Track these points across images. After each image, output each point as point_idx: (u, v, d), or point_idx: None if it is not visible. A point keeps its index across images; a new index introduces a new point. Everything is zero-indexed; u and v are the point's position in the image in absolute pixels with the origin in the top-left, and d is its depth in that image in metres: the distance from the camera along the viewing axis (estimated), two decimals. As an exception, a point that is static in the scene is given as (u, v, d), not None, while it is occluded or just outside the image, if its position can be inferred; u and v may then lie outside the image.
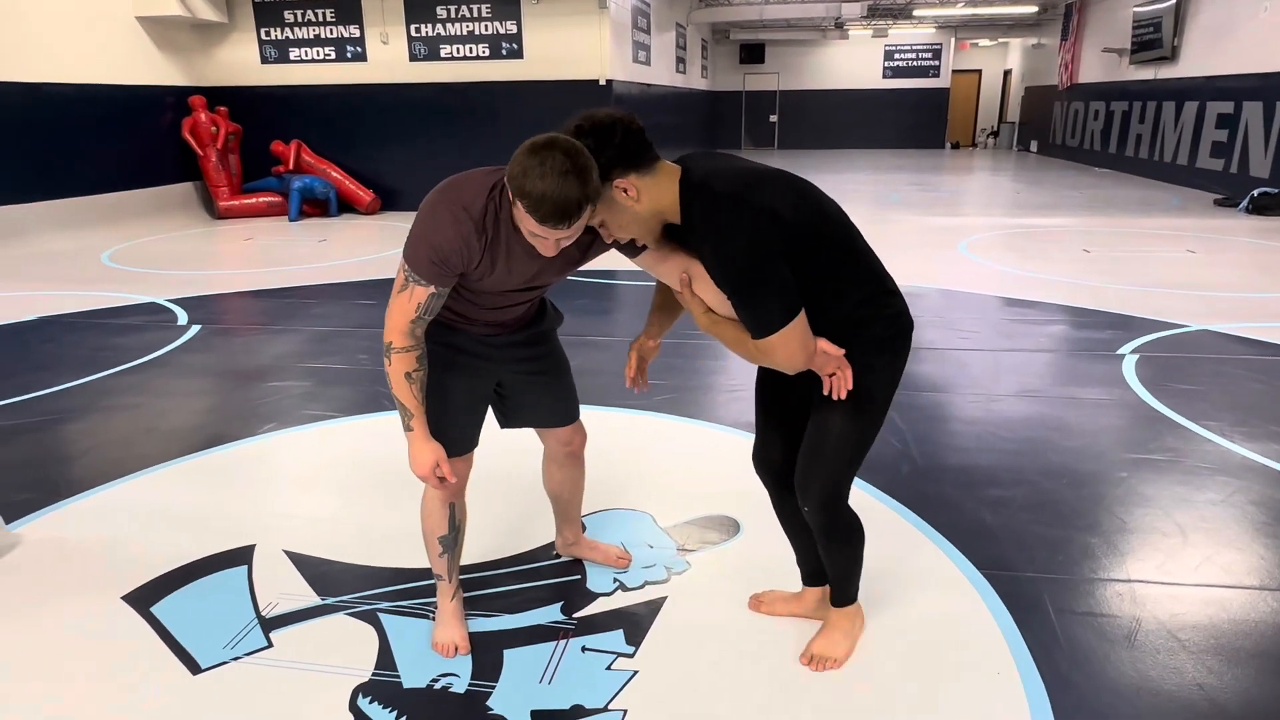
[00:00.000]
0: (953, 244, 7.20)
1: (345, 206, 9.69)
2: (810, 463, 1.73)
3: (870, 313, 1.62)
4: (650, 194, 1.57)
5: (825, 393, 1.65)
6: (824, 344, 1.60)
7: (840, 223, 1.61)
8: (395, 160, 9.70)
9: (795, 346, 1.55)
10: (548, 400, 2.01)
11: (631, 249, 1.69)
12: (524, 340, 1.91)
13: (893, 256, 6.90)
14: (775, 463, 1.88)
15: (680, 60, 14.18)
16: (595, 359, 4.15)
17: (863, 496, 2.67)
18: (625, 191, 1.55)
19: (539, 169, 1.44)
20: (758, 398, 1.87)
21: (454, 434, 1.87)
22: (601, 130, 1.53)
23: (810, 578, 2.04)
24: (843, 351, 1.60)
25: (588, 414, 2.51)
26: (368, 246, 7.58)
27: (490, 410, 2.01)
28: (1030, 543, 2.41)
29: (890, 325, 1.64)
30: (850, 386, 1.62)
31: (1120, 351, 4.15)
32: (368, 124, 9.68)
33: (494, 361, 1.89)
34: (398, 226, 8.57)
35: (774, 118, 19.72)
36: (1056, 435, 3.14)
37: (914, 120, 19.48)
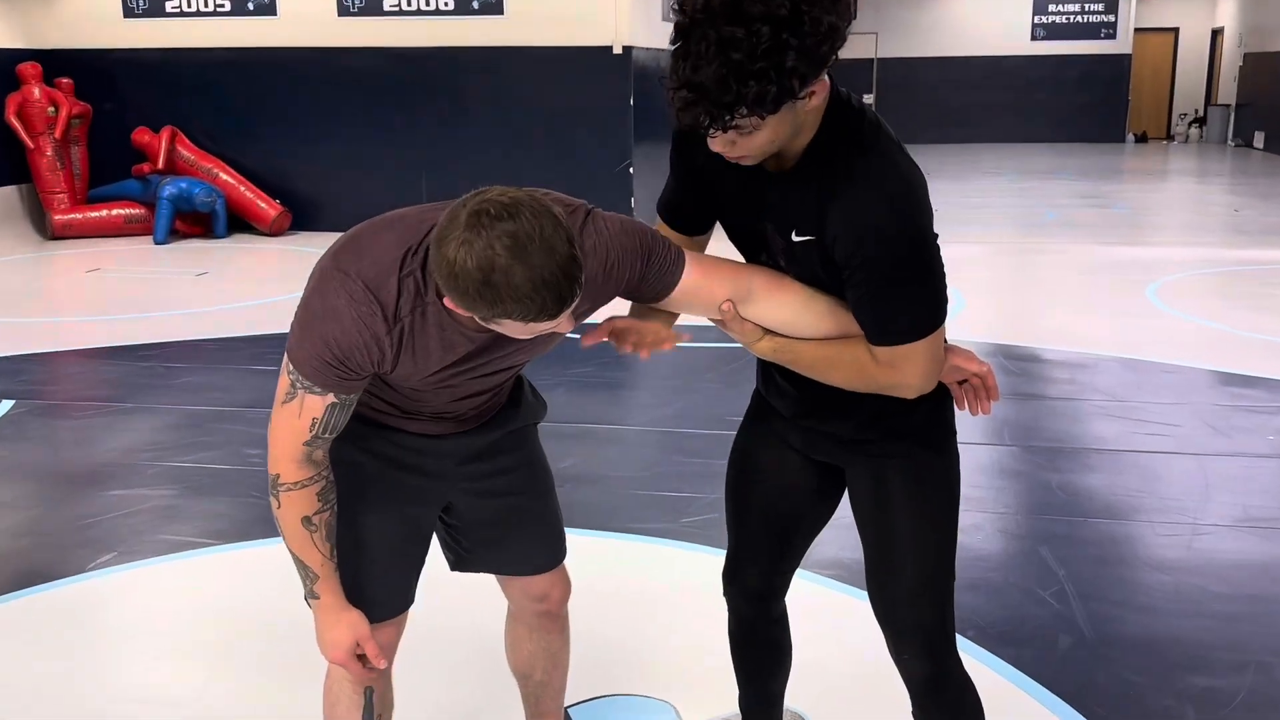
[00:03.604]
0: (1137, 288, 7.18)
1: (239, 224, 9.86)
2: (898, 580, 1.83)
3: None
4: (823, 94, 1.55)
5: (962, 409, 1.80)
6: (957, 353, 1.77)
7: None
8: (316, 159, 9.88)
9: (935, 358, 1.69)
10: (518, 535, 2.02)
11: (652, 290, 1.72)
12: (486, 446, 1.92)
13: (1046, 305, 6.89)
14: (753, 583, 2.05)
15: (732, 15, 14.46)
16: (597, 459, 4.13)
17: (996, 680, 2.61)
18: (811, 95, 1.51)
19: (490, 253, 1.41)
20: (734, 495, 2.03)
21: (377, 591, 1.86)
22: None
23: None
24: (986, 366, 1.77)
25: (583, 544, 2.47)
26: (271, 283, 7.66)
27: (437, 545, 2.01)
28: (1258, 762, 2.35)
29: None
30: (998, 397, 1.78)
31: (1395, 459, 4.10)
32: (276, 106, 9.88)
33: (439, 477, 1.90)
34: (314, 254, 8.66)
35: (869, 98, 20.02)
36: (1298, 590, 3.09)
37: (1078, 102, 19.63)
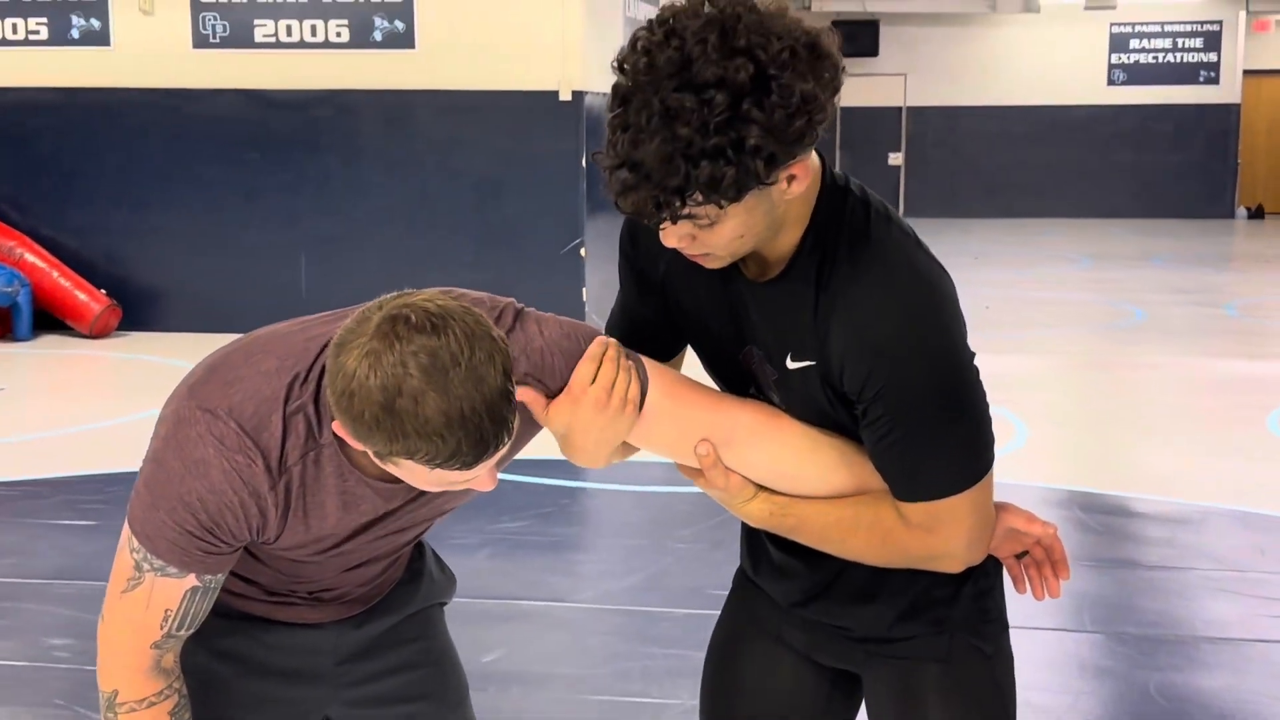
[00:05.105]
0: (1257, 414, 7.24)
1: (49, 321, 9.82)
2: None
3: None
4: (806, 179, 1.59)
5: (1022, 591, 1.84)
6: (1010, 512, 1.80)
7: None
8: (157, 236, 9.90)
9: (983, 515, 1.71)
10: None
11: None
12: (375, 637, 1.93)
13: (1135, 439, 6.91)
14: None
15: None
16: (533, 650, 4.10)
17: None
18: (790, 180, 1.56)
19: (399, 371, 1.44)
20: (711, 713, 2.04)
21: None
22: (744, 53, 1.45)
23: None
24: (1052, 529, 1.79)
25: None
26: (92, 404, 7.57)
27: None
28: None
29: None
30: (1068, 574, 1.81)
31: None
32: (105, 165, 9.91)
33: (315, 682, 1.91)
34: (153, 364, 8.65)
35: (897, 158, 20.33)
36: None
37: (1171, 165, 20.05)
